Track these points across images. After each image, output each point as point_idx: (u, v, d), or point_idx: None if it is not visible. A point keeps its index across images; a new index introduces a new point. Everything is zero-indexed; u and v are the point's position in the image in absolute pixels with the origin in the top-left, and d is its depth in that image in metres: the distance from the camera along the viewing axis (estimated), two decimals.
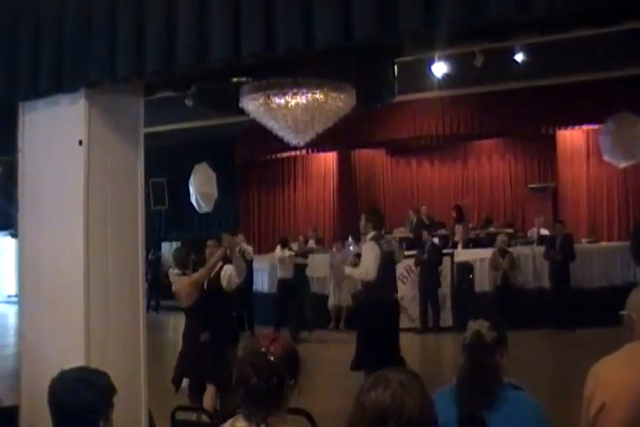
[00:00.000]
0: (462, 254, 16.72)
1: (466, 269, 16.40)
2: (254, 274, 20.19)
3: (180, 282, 8.38)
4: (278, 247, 17.24)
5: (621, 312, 3.97)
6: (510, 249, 16.09)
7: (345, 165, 22.17)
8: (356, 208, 22.26)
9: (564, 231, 15.96)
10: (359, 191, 22.55)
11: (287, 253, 16.90)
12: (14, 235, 17.17)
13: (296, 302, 16.58)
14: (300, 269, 17.15)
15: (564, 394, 7.78)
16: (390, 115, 17.86)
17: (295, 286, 16.93)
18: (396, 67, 10.84)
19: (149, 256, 22.78)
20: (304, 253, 17.37)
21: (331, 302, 17.32)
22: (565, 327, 14.42)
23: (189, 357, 8.33)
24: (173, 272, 8.65)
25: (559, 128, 18.88)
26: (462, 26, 3.71)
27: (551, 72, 15.44)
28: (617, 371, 3.59)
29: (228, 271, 8.69)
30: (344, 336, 16.61)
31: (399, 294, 16.40)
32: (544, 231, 17.42)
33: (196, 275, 8.41)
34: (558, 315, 14.87)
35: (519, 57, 14.02)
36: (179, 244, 21.75)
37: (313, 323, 16.97)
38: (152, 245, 18.71)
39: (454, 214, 18.85)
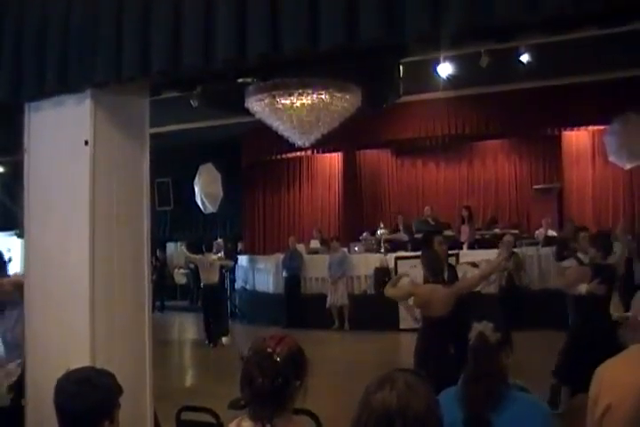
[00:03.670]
0: (468, 255, 16.68)
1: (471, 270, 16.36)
2: (257, 274, 20.28)
3: (433, 291, 7.90)
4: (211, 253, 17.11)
5: (626, 314, 3.99)
6: (515, 250, 16.04)
7: (350, 166, 22.16)
8: (360, 209, 22.28)
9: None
10: (364, 192, 22.55)
11: (214, 256, 16.83)
12: (20, 235, 17.17)
13: (220, 308, 16.69)
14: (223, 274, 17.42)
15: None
16: (395, 115, 17.85)
17: (220, 292, 17.11)
18: (401, 67, 10.85)
19: (157, 254, 22.89)
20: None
21: (328, 302, 17.36)
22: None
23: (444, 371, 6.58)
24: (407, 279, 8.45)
25: (565, 129, 18.87)
26: (468, 26, 3.71)
27: (556, 73, 15.43)
28: (622, 372, 3.59)
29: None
30: (349, 337, 16.66)
31: None
32: (551, 232, 17.37)
33: (462, 285, 8.18)
34: (563, 316, 14.81)
35: (524, 58, 13.99)
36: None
37: (316, 324, 17.01)
38: (157, 245, 18.72)
39: (466, 214, 18.81)
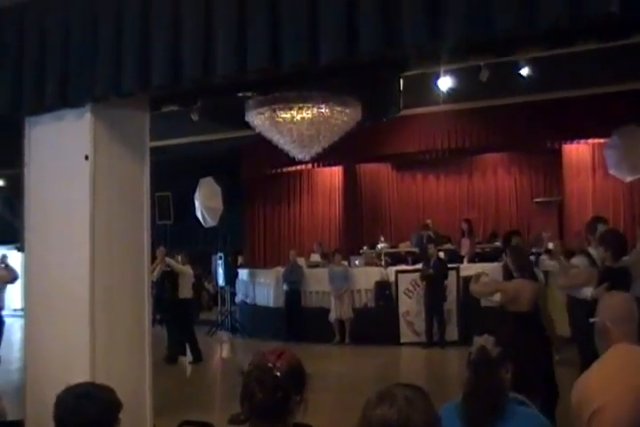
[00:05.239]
0: (468, 269, 16.65)
1: None
2: (257, 288, 20.20)
3: (521, 285, 7.88)
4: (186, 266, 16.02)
5: (592, 320, 3.97)
6: None
7: (350, 180, 22.17)
8: (361, 222, 22.26)
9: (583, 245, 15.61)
10: (364, 205, 22.54)
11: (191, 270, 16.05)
12: (20, 249, 17.15)
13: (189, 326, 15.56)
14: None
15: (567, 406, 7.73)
16: (396, 129, 17.86)
17: (191, 308, 16.36)
18: (401, 81, 10.87)
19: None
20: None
21: (332, 316, 17.27)
22: (573, 341, 14.29)
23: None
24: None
25: (565, 142, 18.86)
26: (467, 40, 3.72)
27: (556, 86, 15.44)
28: (605, 376, 3.61)
29: None
30: (349, 351, 16.61)
31: (404, 308, 16.59)
32: (551, 246, 17.32)
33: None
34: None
35: (524, 71, 14.01)
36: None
37: (317, 338, 16.94)
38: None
39: (465, 227, 18.78)
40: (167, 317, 15.57)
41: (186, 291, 15.50)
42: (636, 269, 7.58)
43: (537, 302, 7.96)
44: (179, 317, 15.33)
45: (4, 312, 13.71)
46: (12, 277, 12.95)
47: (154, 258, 14.02)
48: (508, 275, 8.45)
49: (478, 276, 8.71)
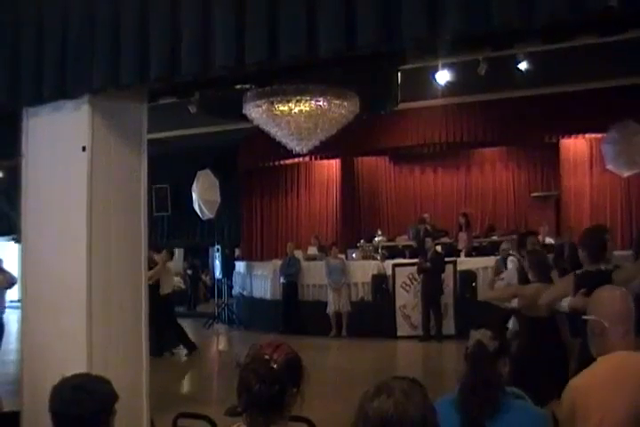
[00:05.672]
0: (465, 263, 16.67)
1: (469, 277, 16.35)
2: (254, 280, 20.21)
3: (541, 290, 7.15)
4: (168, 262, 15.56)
5: (585, 317, 3.83)
6: (512, 258, 15.96)
7: (348, 173, 22.14)
8: (358, 215, 22.26)
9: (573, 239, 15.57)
10: (362, 199, 22.52)
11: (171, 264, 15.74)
12: (17, 240, 17.08)
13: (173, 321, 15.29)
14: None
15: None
16: (394, 122, 17.84)
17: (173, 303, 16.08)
18: (399, 74, 10.86)
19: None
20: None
21: (330, 309, 17.26)
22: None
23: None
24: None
25: (562, 137, 18.83)
26: (465, 34, 3.71)
27: (555, 80, 15.43)
28: (602, 395, 3.50)
29: None
30: (346, 344, 16.62)
31: (402, 302, 16.60)
32: (549, 240, 17.32)
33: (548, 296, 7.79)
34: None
35: (523, 65, 13.99)
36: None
37: (314, 331, 16.95)
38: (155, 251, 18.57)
39: (463, 221, 18.77)
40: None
41: (166, 287, 15.17)
42: (619, 275, 6.45)
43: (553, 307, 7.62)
44: (162, 314, 15.12)
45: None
46: (9, 283, 12.81)
47: (150, 247, 13.62)
48: (523, 279, 8.18)
49: (492, 281, 8.46)
